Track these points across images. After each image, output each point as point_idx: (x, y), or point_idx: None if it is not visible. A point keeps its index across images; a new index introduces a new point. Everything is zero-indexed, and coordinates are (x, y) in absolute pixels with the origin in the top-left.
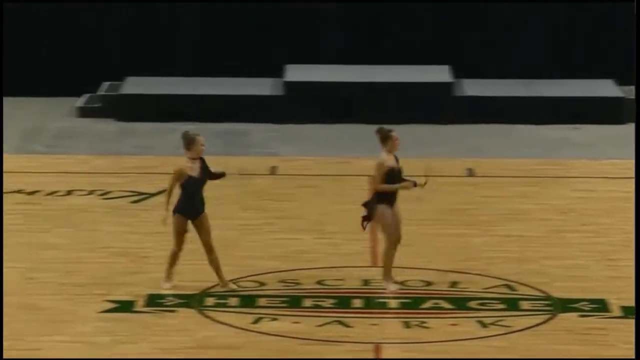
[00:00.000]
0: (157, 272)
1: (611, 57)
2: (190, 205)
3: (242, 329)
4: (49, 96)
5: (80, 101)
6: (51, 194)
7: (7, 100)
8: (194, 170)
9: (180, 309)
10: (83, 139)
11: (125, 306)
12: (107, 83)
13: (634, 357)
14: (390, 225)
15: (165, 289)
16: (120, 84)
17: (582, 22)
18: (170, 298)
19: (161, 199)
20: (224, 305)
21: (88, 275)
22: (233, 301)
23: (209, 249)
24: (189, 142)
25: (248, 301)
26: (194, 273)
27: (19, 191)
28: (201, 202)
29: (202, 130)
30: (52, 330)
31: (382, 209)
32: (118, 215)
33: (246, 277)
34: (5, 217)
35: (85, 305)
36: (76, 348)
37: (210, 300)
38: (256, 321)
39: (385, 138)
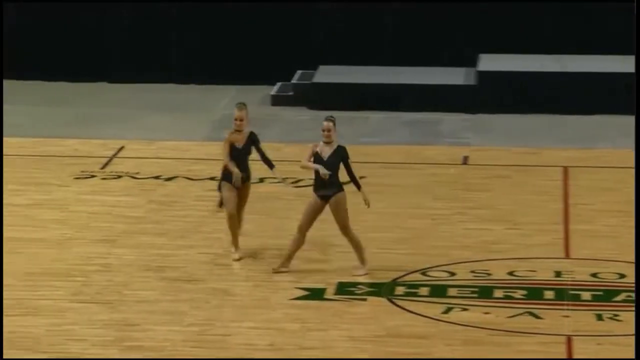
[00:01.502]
0: (348, 260)
1: None
2: (319, 185)
3: (432, 318)
4: (246, 84)
5: (273, 89)
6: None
7: (202, 88)
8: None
9: (370, 298)
10: (275, 127)
11: (315, 294)
12: (301, 71)
13: (634, 357)
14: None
15: (234, 259)
16: (313, 72)
17: None
18: (361, 286)
19: (353, 187)
20: (415, 294)
21: (278, 263)
22: (423, 291)
23: (345, 232)
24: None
25: (438, 291)
26: (385, 262)
27: (212, 178)
28: (244, 171)
29: (392, 119)
30: (242, 317)
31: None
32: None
33: (437, 266)
34: (197, 203)
35: (276, 292)
36: (265, 334)
37: (400, 290)
38: (446, 311)
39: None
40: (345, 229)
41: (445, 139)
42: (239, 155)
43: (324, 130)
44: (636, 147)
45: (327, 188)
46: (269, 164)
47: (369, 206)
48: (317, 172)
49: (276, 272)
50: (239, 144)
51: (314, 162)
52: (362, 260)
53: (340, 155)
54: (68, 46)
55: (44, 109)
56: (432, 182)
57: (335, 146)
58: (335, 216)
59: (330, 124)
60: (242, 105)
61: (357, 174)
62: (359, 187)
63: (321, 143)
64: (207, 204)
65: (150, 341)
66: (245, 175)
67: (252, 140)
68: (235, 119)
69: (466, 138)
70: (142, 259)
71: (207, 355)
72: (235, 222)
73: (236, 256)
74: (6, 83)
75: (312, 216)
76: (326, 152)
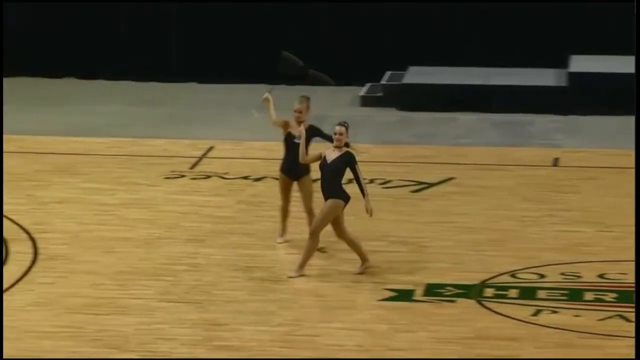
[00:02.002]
0: (436, 261)
1: None
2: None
3: (521, 320)
4: (337, 85)
5: (363, 90)
6: None
7: (292, 89)
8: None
9: (459, 299)
10: (364, 128)
11: (404, 295)
12: (390, 72)
13: (634, 357)
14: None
15: (278, 242)
16: (403, 73)
17: None
18: (450, 288)
19: (443, 188)
20: (504, 296)
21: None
22: (513, 293)
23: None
24: None
25: (528, 293)
26: (474, 263)
27: None
28: (331, 188)
29: (483, 120)
30: (331, 317)
31: None
32: (398, 204)
33: (527, 268)
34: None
35: (364, 293)
36: (354, 335)
37: (489, 291)
38: (536, 313)
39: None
40: (316, 228)
41: (535, 141)
42: (294, 147)
43: (335, 134)
44: (636, 147)
45: (326, 192)
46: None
47: (371, 215)
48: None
49: (291, 277)
50: (296, 133)
51: (320, 165)
52: (363, 258)
53: (345, 161)
54: (158, 47)
55: (135, 109)
56: (522, 184)
57: (343, 151)
58: (318, 214)
59: (343, 128)
60: (303, 99)
61: (363, 182)
62: (363, 194)
63: (332, 147)
64: (294, 204)
65: (238, 341)
66: (301, 169)
67: (312, 132)
68: (295, 111)
69: (557, 139)
70: (231, 259)
71: (295, 355)
72: (284, 212)
73: (280, 240)
74: (100, 84)
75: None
76: (332, 156)
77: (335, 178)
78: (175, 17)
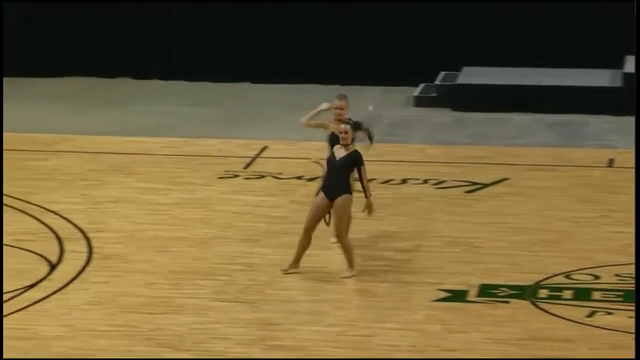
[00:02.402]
0: (490, 262)
1: None
2: (327, 185)
3: (576, 322)
4: (390, 85)
5: (417, 90)
6: (386, 182)
7: (345, 89)
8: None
9: (513, 300)
10: (418, 128)
11: (457, 295)
12: (444, 72)
13: (634, 357)
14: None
15: (331, 242)
16: (457, 73)
17: None
18: (504, 289)
19: (497, 189)
20: (558, 297)
21: (421, 264)
22: (567, 294)
23: (337, 234)
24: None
25: (583, 294)
26: (528, 264)
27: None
28: (338, 185)
29: (536, 120)
30: (384, 317)
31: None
32: (452, 205)
33: (581, 269)
34: None
35: (418, 294)
36: (407, 336)
37: (543, 292)
38: (590, 315)
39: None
40: (338, 230)
41: (590, 141)
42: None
43: (340, 133)
44: (636, 147)
45: (333, 189)
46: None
47: (369, 214)
48: (326, 173)
49: (286, 272)
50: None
51: (327, 163)
52: (350, 262)
53: (352, 160)
54: (212, 48)
55: (190, 109)
56: (576, 185)
57: (351, 150)
58: (333, 217)
59: (348, 126)
60: (342, 96)
61: (367, 182)
62: (366, 194)
63: (338, 145)
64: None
65: (292, 341)
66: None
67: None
68: (336, 108)
69: (611, 140)
70: (285, 259)
71: (349, 355)
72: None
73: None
74: (154, 84)
75: (317, 217)
76: (340, 153)
77: (341, 176)
78: (175, 16)
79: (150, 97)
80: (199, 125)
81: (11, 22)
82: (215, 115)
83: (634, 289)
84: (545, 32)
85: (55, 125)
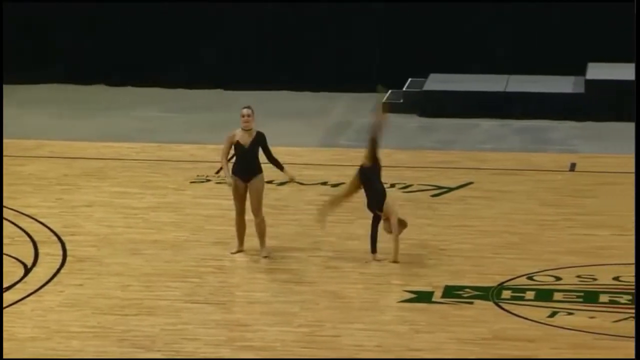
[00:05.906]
0: (455, 264)
1: None
2: (239, 168)
3: (538, 322)
4: (358, 92)
5: (384, 97)
6: None
7: (316, 95)
8: (243, 139)
9: (477, 301)
10: (386, 133)
11: (423, 296)
12: (411, 79)
13: (634, 357)
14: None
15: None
16: (423, 80)
17: None
18: (468, 290)
19: (463, 192)
20: (521, 298)
21: (388, 266)
22: (529, 295)
23: (254, 212)
24: None
25: (544, 295)
26: (492, 266)
27: (323, 183)
28: (251, 168)
29: (503, 126)
30: (352, 318)
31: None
32: (418, 208)
33: (543, 271)
34: (309, 207)
35: (385, 295)
36: (374, 336)
37: (506, 293)
38: (552, 315)
39: None
40: (257, 210)
41: (554, 146)
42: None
43: (242, 116)
44: (636, 147)
45: (247, 172)
46: (278, 165)
47: (294, 181)
48: (237, 158)
49: (233, 253)
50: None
51: (235, 151)
52: (263, 243)
53: (259, 141)
54: (188, 54)
55: (166, 115)
56: (540, 188)
57: (254, 133)
58: (251, 197)
59: (249, 110)
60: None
61: (275, 155)
62: (281, 168)
63: (239, 130)
64: (318, 208)
65: (261, 341)
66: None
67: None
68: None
69: (574, 145)
70: (255, 261)
71: (317, 355)
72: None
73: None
74: (129, 90)
75: (241, 199)
76: (246, 139)
77: (254, 158)
78: (151, 22)
79: (127, 104)
80: (175, 132)
81: None
82: (190, 121)
83: (594, 289)
84: (510, 40)
85: (35, 132)
